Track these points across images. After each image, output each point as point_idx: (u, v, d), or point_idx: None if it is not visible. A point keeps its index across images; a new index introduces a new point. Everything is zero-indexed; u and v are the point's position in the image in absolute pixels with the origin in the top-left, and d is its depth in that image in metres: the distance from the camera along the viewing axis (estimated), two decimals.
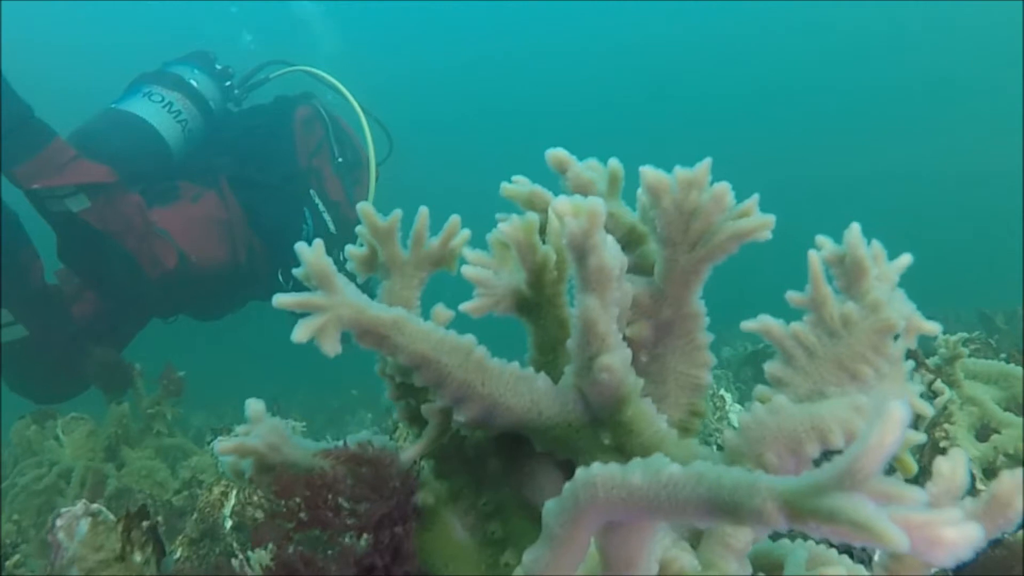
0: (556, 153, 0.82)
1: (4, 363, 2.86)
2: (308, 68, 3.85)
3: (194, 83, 3.40)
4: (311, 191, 3.46)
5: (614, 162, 0.81)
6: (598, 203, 0.66)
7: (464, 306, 0.75)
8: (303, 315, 0.67)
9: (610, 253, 0.68)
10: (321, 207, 3.43)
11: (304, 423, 2.45)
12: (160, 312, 3.36)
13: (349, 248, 0.84)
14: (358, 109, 3.62)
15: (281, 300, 0.68)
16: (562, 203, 0.68)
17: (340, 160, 3.64)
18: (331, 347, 0.67)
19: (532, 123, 19.57)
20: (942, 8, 16.32)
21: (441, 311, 0.80)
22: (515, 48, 20.15)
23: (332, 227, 3.43)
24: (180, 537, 2.02)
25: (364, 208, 0.81)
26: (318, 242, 0.70)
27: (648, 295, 0.75)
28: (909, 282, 0.74)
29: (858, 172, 17.45)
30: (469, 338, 0.71)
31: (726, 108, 19.50)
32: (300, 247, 0.71)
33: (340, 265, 2.99)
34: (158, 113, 3.23)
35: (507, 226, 0.73)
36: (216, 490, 2.07)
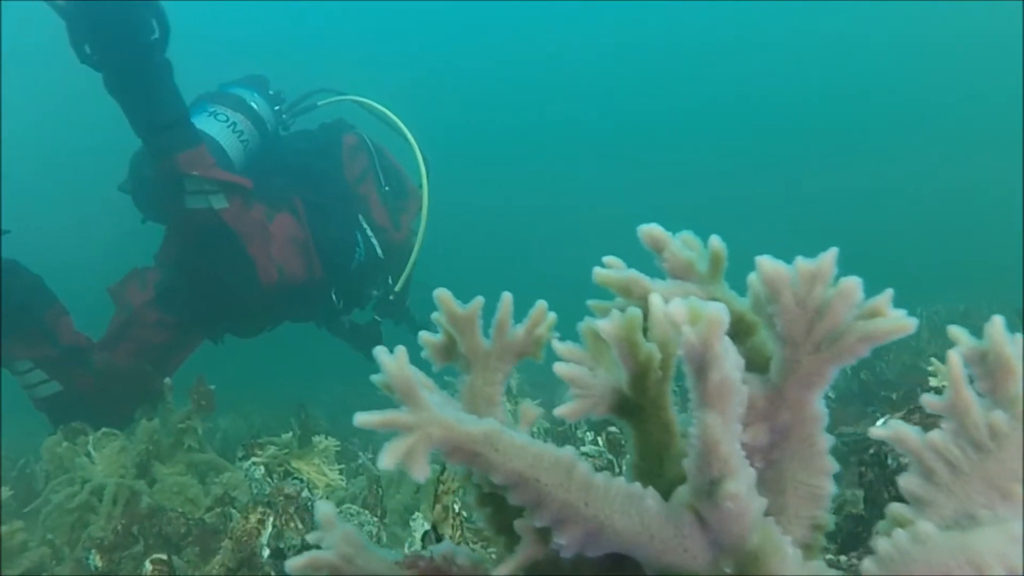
0: (651, 231, 0.74)
1: (47, 414, 3.02)
2: (357, 98, 3.91)
3: (254, 105, 3.50)
4: (359, 216, 3.52)
5: (716, 241, 0.73)
6: (720, 310, 0.59)
7: (560, 411, 0.68)
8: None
9: (732, 364, 0.60)
10: (369, 232, 3.52)
11: (338, 443, 2.41)
12: (236, 327, 3.47)
13: (423, 335, 0.77)
14: (411, 138, 3.68)
15: (364, 419, 0.61)
16: (678, 309, 0.60)
17: (387, 188, 3.69)
18: (421, 471, 0.60)
19: (550, 130, 19.41)
20: (941, 10, 16.03)
21: (529, 409, 0.73)
22: (526, 56, 19.93)
23: (380, 252, 3.53)
24: (217, 565, 1.98)
25: (442, 295, 0.74)
26: (400, 350, 0.63)
27: (764, 396, 0.68)
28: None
29: (859, 179, 17.27)
30: (568, 452, 0.64)
31: (744, 119, 19.29)
32: (380, 353, 0.64)
33: (388, 288, 2.93)
34: (224, 132, 3.32)
35: (608, 324, 0.65)
36: (252, 517, 2.03)
